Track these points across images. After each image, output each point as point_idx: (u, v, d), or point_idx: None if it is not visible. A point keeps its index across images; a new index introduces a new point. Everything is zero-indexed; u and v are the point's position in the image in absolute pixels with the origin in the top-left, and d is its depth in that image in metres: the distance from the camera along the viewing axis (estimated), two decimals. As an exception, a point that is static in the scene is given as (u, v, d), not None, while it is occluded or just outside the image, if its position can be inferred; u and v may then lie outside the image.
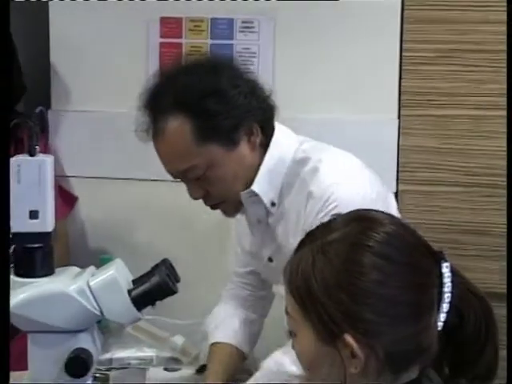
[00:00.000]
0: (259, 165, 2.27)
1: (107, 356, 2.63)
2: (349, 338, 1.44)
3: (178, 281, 1.80)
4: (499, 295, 2.85)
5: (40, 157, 1.72)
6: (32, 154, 1.71)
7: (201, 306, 2.84)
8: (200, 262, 2.74)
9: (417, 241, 1.53)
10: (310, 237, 1.56)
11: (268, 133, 2.27)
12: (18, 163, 1.71)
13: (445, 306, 1.45)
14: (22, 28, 3.06)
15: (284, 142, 2.31)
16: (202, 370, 2.60)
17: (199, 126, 2.14)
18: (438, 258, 1.50)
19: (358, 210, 1.64)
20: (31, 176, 1.70)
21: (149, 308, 1.87)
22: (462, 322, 1.47)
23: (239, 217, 2.44)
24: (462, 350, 1.48)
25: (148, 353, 2.66)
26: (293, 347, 1.58)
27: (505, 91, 2.81)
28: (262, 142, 2.25)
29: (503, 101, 2.79)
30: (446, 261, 1.49)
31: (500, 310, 2.83)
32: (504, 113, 2.79)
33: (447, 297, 1.46)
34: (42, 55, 3.14)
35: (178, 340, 2.66)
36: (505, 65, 2.79)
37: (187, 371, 2.61)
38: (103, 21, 3.07)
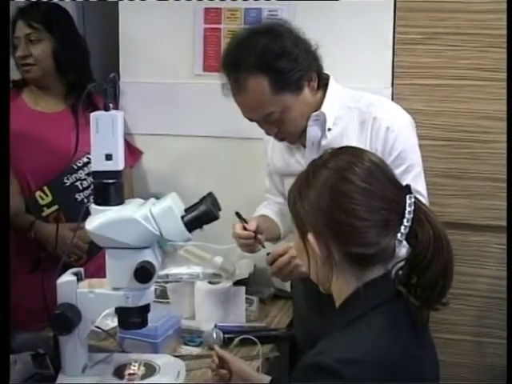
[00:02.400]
0: (318, 102, 2.29)
1: (164, 272, 2.65)
2: (310, 236, 1.49)
3: (219, 209, 1.82)
4: (467, 225, 2.90)
5: (113, 112, 1.75)
6: (107, 110, 1.74)
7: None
8: (236, 200, 2.75)
9: (391, 177, 1.55)
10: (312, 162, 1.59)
11: (321, 76, 2.29)
12: (97, 117, 1.74)
13: (403, 228, 1.47)
14: (98, 19, 3.08)
15: (336, 85, 2.33)
16: (237, 283, 2.65)
17: (274, 81, 2.14)
18: (405, 191, 1.51)
19: (349, 146, 1.69)
20: (106, 127, 1.74)
21: (197, 235, 1.91)
22: (416, 240, 1.48)
23: (274, 145, 2.48)
24: (415, 260, 1.49)
25: (196, 270, 2.67)
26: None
27: (477, 66, 2.82)
28: (318, 84, 2.27)
29: (475, 73, 2.80)
30: (411, 193, 1.50)
31: (468, 237, 2.89)
32: (474, 82, 2.81)
33: (406, 220, 1.47)
34: (114, 39, 3.14)
35: (219, 260, 2.67)
36: (477, 45, 2.79)
37: (226, 284, 2.63)
38: (161, 12, 3.06)
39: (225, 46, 2.33)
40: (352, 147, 1.68)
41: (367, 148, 2.17)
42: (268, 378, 2.02)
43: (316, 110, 2.28)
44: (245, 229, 2.33)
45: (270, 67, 2.14)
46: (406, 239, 1.49)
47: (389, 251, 1.50)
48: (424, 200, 2.06)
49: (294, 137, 2.31)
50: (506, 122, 2.77)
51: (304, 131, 2.29)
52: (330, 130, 2.29)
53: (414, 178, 2.21)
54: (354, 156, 1.55)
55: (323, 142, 2.29)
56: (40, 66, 2.84)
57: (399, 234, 1.48)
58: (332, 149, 1.61)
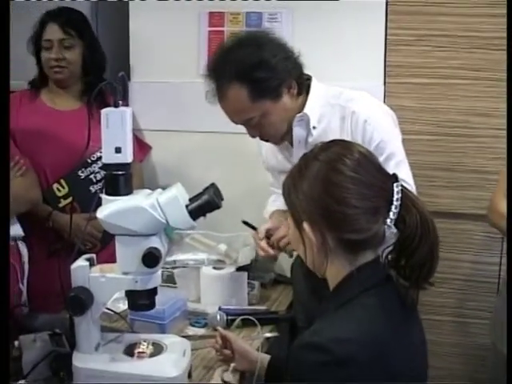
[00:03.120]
0: (301, 104, 2.29)
1: (172, 258, 2.66)
2: (305, 225, 1.50)
3: (222, 199, 1.82)
4: (456, 214, 2.91)
5: (122, 108, 1.76)
6: (116, 106, 1.75)
7: (238, 223, 2.88)
8: (239, 191, 2.77)
9: (378, 166, 1.56)
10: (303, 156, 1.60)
11: (302, 83, 2.29)
12: (107, 113, 1.74)
13: (392, 214, 1.49)
14: (108, 21, 3.09)
15: (319, 85, 2.33)
16: (240, 269, 2.66)
17: (252, 90, 2.16)
18: (392, 179, 1.53)
19: (338, 140, 1.69)
20: (116, 122, 1.74)
21: (202, 224, 1.91)
22: (404, 225, 1.49)
23: (264, 147, 2.50)
24: (403, 244, 1.50)
25: (201, 256, 2.68)
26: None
27: (464, 65, 2.83)
28: (298, 91, 2.27)
29: (462, 72, 2.83)
30: (398, 181, 1.52)
31: (455, 226, 2.90)
32: (461, 81, 2.83)
33: (395, 207, 1.49)
34: (124, 41, 3.16)
35: (223, 247, 2.69)
36: (463, 46, 2.81)
37: (229, 269, 2.64)
38: (168, 15, 3.07)
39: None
40: (341, 140, 1.69)
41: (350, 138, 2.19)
42: (267, 357, 2.03)
43: (300, 111, 2.28)
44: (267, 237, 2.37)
45: (247, 77, 2.15)
46: (395, 224, 1.50)
47: (379, 236, 1.52)
48: (409, 187, 2.06)
49: (276, 139, 2.34)
50: (492, 118, 2.79)
51: (291, 131, 2.30)
52: (315, 128, 2.30)
53: (396, 165, 2.21)
54: (343, 148, 1.56)
55: (309, 140, 2.29)
56: (70, 69, 2.89)
57: (388, 220, 1.49)
58: (322, 143, 1.62)
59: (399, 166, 2.23)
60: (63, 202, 2.88)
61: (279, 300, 2.76)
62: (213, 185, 1.83)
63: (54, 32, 2.85)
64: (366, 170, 1.52)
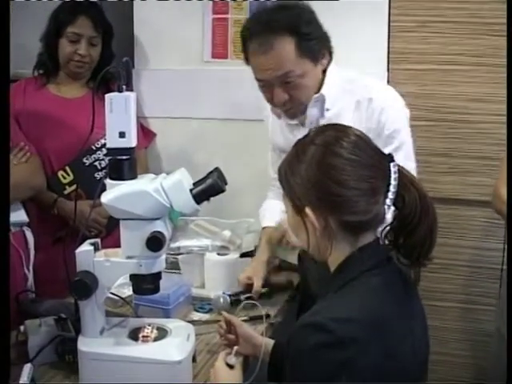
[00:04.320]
0: (319, 83, 2.29)
1: (176, 245, 2.65)
2: (308, 210, 1.50)
3: (226, 183, 1.81)
4: (457, 200, 2.90)
5: (126, 93, 1.74)
6: (120, 91, 1.74)
7: (242, 210, 2.88)
8: (242, 177, 2.75)
9: (374, 147, 1.57)
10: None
11: (329, 59, 2.31)
12: (111, 97, 1.73)
13: (390, 193, 1.50)
14: (113, 8, 3.08)
15: (334, 67, 2.33)
16: (243, 255, 2.65)
17: (300, 44, 2.17)
18: (389, 159, 1.54)
19: (332, 123, 1.68)
20: (120, 106, 1.72)
21: (206, 210, 1.90)
22: (403, 204, 1.51)
23: (274, 123, 2.47)
24: (403, 222, 1.52)
25: (205, 242, 2.66)
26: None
27: (464, 52, 2.82)
28: (326, 66, 2.29)
29: (463, 58, 2.82)
30: (394, 161, 1.53)
31: (457, 212, 2.90)
32: (462, 67, 2.82)
33: (393, 186, 1.50)
34: (129, 28, 3.16)
35: (227, 233, 2.66)
36: (464, 32, 2.81)
37: (233, 256, 2.62)
38: (172, 3, 3.06)
39: (245, 21, 2.36)
40: (335, 124, 1.67)
41: (362, 126, 2.12)
42: (272, 342, 2.02)
43: (317, 91, 2.28)
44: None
45: (298, 30, 2.16)
46: (394, 204, 1.51)
47: (379, 217, 1.52)
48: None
49: (300, 108, 2.30)
50: (492, 103, 2.79)
51: (305, 110, 2.29)
52: (328, 110, 2.29)
53: (405, 157, 2.23)
54: (338, 131, 1.57)
55: (321, 121, 2.28)
56: (91, 65, 2.91)
57: (388, 200, 1.50)
58: (315, 127, 1.63)
59: (408, 157, 2.26)
60: (68, 189, 2.87)
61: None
62: (217, 169, 1.82)
63: (85, 27, 2.84)
64: (363, 151, 1.52)
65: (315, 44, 2.21)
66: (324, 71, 2.30)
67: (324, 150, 1.51)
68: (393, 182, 1.50)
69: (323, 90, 2.28)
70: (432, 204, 1.53)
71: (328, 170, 1.50)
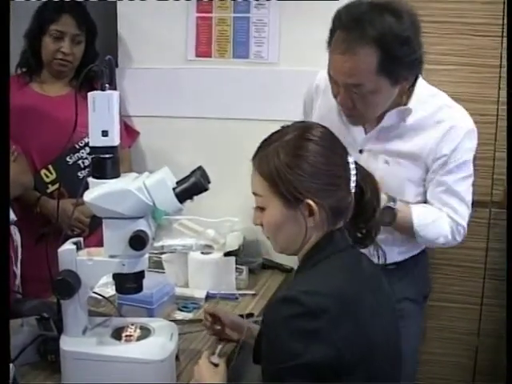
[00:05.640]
0: (401, 103, 2.18)
1: (160, 244, 2.66)
2: (310, 202, 1.59)
3: (209, 182, 1.82)
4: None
5: (109, 91, 1.75)
6: (103, 90, 1.74)
7: (226, 209, 2.88)
8: (226, 177, 2.75)
9: (339, 140, 1.71)
10: (269, 140, 1.68)
11: (414, 82, 2.18)
12: (94, 96, 1.74)
13: (352, 182, 1.66)
14: (97, 6, 3.07)
15: (421, 81, 2.23)
16: (227, 254, 2.65)
17: (383, 62, 1.98)
18: (347, 153, 1.69)
19: (303, 121, 1.84)
20: (103, 105, 1.73)
21: (190, 209, 1.91)
22: (362, 193, 1.69)
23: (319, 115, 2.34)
24: (363, 210, 1.70)
25: (189, 241, 2.68)
26: (256, 222, 1.71)
27: (448, 51, 2.83)
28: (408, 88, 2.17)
29: (446, 58, 2.83)
30: (350, 155, 1.69)
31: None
32: (446, 66, 2.84)
33: (353, 174, 1.66)
34: (112, 26, 3.14)
35: (210, 232, 2.69)
36: (448, 32, 2.81)
37: (217, 255, 2.63)
38: (156, 1, 3.03)
39: (344, 6, 2.09)
40: (304, 121, 1.87)
41: (434, 147, 2.18)
42: (257, 327, 2.05)
43: (403, 103, 2.19)
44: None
45: (387, 48, 1.97)
46: (354, 194, 1.67)
47: (351, 205, 1.67)
48: (468, 209, 2.26)
49: (360, 121, 2.21)
50: (475, 103, 2.79)
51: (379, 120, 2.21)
52: (405, 121, 2.20)
53: (468, 188, 2.27)
54: (323, 127, 1.70)
55: (395, 132, 2.22)
56: (74, 63, 2.90)
57: (353, 189, 1.66)
58: (297, 122, 1.74)
59: (469, 190, 2.29)
60: (51, 188, 2.86)
61: (267, 285, 2.76)
62: (200, 168, 1.83)
63: (68, 25, 2.83)
64: (338, 145, 1.70)
65: (401, 68, 2.04)
66: (412, 84, 2.19)
67: (321, 144, 1.64)
68: (352, 172, 1.65)
69: (410, 104, 2.18)
70: (379, 190, 1.73)
71: (327, 162, 1.62)
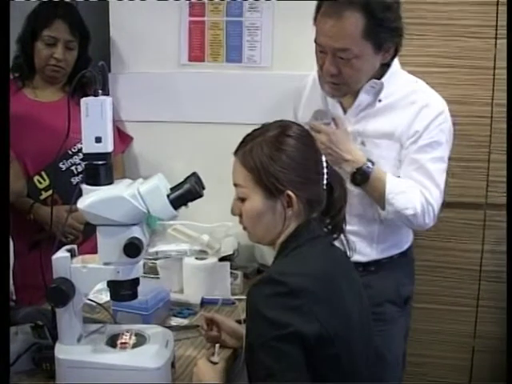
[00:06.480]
0: (378, 72, 2.27)
1: (154, 249, 2.66)
2: (290, 193, 1.72)
3: (203, 188, 1.81)
4: (444, 203, 2.87)
5: (102, 97, 1.74)
6: (96, 95, 1.73)
7: (220, 214, 2.87)
8: (220, 182, 2.74)
9: (314, 139, 1.85)
10: (252, 135, 1.79)
11: (394, 54, 2.27)
12: (86, 102, 1.73)
13: (324, 180, 1.78)
14: (89, 10, 3.06)
15: (399, 66, 2.34)
16: (222, 259, 2.65)
17: (368, 27, 2.11)
18: (320, 152, 1.82)
19: (282, 120, 1.87)
20: (96, 111, 1.72)
21: (185, 215, 1.90)
22: (331, 191, 1.80)
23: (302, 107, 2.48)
24: (332, 204, 1.81)
25: (183, 247, 2.67)
26: (235, 212, 1.81)
27: (442, 53, 2.83)
28: (387, 60, 2.26)
29: (439, 60, 2.85)
30: (322, 155, 1.81)
31: (444, 214, 2.84)
32: (440, 69, 2.85)
33: (325, 172, 1.78)
34: (105, 31, 3.13)
35: (205, 238, 2.67)
36: (441, 34, 2.82)
37: (212, 260, 2.62)
38: (148, 5, 3.03)
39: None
40: (282, 120, 1.86)
41: (407, 125, 2.26)
42: None
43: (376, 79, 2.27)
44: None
45: (373, 12, 2.10)
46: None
47: (323, 198, 1.79)
48: (440, 194, 2.28)
49: (344, 89, 2.28)
50: (468, 105, 2.81)
51: (356, 95, 2.30)
52: (380, 101, 2.30)
53: (440, 172, 2.31)
54: (297, 125, 1.82)
55: (370, 110, 2.31)
56: (67, 70, 2.89)
57: (324, 185, 1.78)
58: (279, 121, 1.83)
59: (442, 174, 2.31)
60: (44, 194, 2.85)
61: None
62: (194, 174, 1.82)
63: (61, 31, 2.81)
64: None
65: (384, 33, 2.15)
66: (388, 65, 2.28)
67: (300, 141, 1.76)
68: (324, 171, 1.77)
69: (384, 79, 2.27)
70: (346, 189, 1.84)
71: (305, 157, 1.75)
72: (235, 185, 1.80)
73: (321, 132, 2.22)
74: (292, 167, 1.72)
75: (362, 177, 2.23)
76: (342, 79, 2.22)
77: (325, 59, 2.20)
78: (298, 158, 1.73)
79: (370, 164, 2.23)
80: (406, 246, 2.47)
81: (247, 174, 1.74)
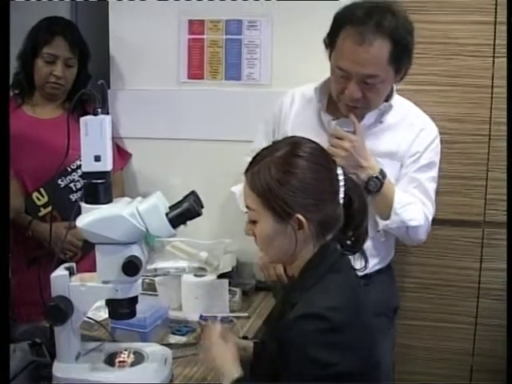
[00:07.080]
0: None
1: (153, 266, 2.64)
2: (300, 216, 1.66)
3: (202, 207, 1.81)
4: (436, 220, 2.85)
5: (101, 116, 1.75)
6: (95, 114, 1.74)
7: (219, 231, 2.88)
8: (220, 199, 2.75)
9: (328, 155, 1.78)
10: (260, 155, 1.74)
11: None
12: (86, 121, 1.73)
13: (341, 193, 1.72)
14: (88, 28, 3.07)
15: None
16: (221, 276, 2.64)
17: (394, 53, 2.15)
18: (336, 165, 1.75)
19: (293, 136, 1.82)
20: (95, 130, 1.73)
21: (183, 232, 1.90)
22: (350, 202, 1.74)
23: (296, 113, 2.47)
24: (352, 218, 1.75)
25: (182, 264, 2.66)
26: (249, 233, 1.76)
27: (438, 71, 2.84)
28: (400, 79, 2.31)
29: (438, 78, 2.84)
30: (338, 167, 1.74)
31: (436, 231, 2.88)
32: (439, 87, 2.84)
33: (342, 185, 1.72)
34: (104, 48, 3.13)
35: (204, 255, 2.65)
36: (440, 53, 2.82)
37: (210, 277, 2.62)
38: (148, 23, 3.05)
39: (349, 4, 2.23)
40: (293, 136, 1.82)
41: (408, 145, 2.35)
42: (250, 343, 2.04)
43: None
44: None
45: (399, 38, 2.15)
46: (343, 204, 1.73)
47: (340, 217, 1.73)
48: (433, 211, 2.37)
49: (364, 111, 2.32)
50: (467, 123, 2.81)
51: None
52: (382, 122, 2.36)
53: (434, 192, 2.41)
54: (311, 142, 1.76)
55: (373, 130, 2.36)
56: (66, 87, 2.90)
57: (341, 201, 1.72)
58: (286, 138, 1.82)
59: (434, 192, 2.42)
60: (43, 211, 2.85)
61: (261, 307, 2.74)
62: (193, 192, 1.82)
63: (61, 48, 2.83)
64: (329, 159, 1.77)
65: (405, 58, 2.21)
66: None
67: (312, 160, 1.69)
68: (341, 184, 1.72)
69: (393, 101, 2.35)
70: (366, 198, 1.79)
71: (317, 178, 1.68)
72: (246, 207, 1.74)
73: (344, 139, 2.24)
74: (301, 190, 1.66)
75: (375, 184, 2.26)
76: (365, 103, 2.27)
77: (347, 84, 2.21)
78: (309, 179, 1.67)
79: (381, 175, 2.28)
80: (390, 258, 2.57)
81: (256, 197, 1.69)
